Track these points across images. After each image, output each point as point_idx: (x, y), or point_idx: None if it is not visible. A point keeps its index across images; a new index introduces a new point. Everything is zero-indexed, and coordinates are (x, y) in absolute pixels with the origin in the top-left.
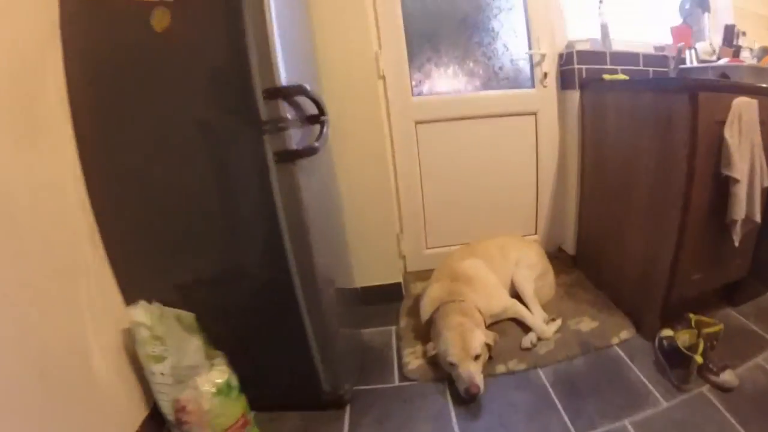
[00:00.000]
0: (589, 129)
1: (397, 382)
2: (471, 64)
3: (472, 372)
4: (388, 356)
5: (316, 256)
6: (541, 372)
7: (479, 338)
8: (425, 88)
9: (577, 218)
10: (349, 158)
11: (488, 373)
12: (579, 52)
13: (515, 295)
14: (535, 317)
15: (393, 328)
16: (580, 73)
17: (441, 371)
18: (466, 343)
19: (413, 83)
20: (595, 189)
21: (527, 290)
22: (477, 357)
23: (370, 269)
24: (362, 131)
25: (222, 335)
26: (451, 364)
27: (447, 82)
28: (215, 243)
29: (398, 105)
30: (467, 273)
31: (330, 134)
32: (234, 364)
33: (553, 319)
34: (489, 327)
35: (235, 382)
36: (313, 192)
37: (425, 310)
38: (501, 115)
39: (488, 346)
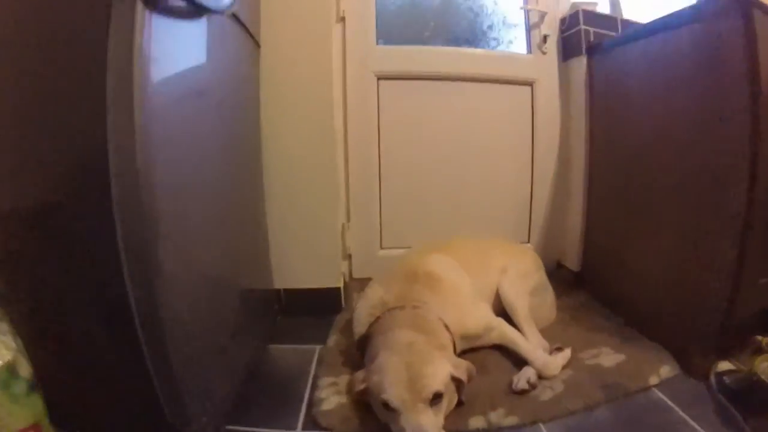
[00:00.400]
0: (600, 104)
1: (299, 429)
2: (453, 21)
3: (424, 426)
4: (297, 387)
5: (165, 236)
6: (544, 430)
7: (441, 370)
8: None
9: (583, 223)
10: (283, 119)
11: (456, 431)
12: (585, 12)
13: (501, 314)
14: (533, 345)
15: (318, 347)
16: (587, 35)
17: (373, 420)
18: (418, 377)
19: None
20: (608, 181)
21: (519, 306)
22: (435, 399)
23: (300, 267)
24: (304, 86)
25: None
26: (389, 410)
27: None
28: None
29: (358, 53)
30: (431, 271)
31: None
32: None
33: (559, 349)
34: (461, 355)
35: (26, 371)
36: (185, 133)
37: (360, 321)
38: (489, 80)
39: (457, 384)
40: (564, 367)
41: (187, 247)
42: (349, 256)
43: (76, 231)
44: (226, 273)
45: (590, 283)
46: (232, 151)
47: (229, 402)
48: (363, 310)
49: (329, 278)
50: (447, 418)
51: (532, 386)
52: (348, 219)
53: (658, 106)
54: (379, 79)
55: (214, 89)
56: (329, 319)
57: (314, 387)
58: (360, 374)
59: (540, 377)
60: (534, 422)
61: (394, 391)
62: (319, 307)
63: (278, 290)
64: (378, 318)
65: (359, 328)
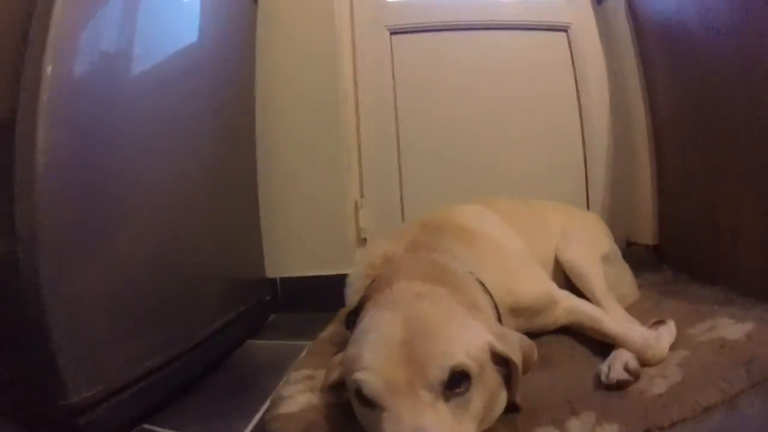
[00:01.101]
0: (652, 46)
1: None
2: None
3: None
4: (264, 386)
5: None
6: None
7: (471, 335)
8: None
9: (655, 189)
10: (283, 84)
11: None
12: None
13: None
14: (620, 321)
15: (311, 344)
16: None
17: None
18: (423, 342)
19: None
20: (684, 138)
21: (592, 274)
22: (455, 386)
23: (302, 253)
24: (307, 46)
25: None
26: (368, 404)
27: None
28: None
29: (368, 5)
30: (463, 224)
31: None
32: None
33: (659, 323)
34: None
35: None
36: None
37: (352, 287)
38: (516, 27)
39: (506, 373)
40: (671, 348)
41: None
42: (364, 240)
43: None
44: (165, 259)
45: (674, 256)
46: (199, 125)
47: (150, 397)
48: (358, 272)
49: (337, 264)
50: (490, 430)
51: (634, 375)
52: (362, 195)
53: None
54: (392, 33)
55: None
56: (336, 312)
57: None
58: (338, 356)
59: (642, 363)
60: (647, 431)
61: (375, 366)
62: (326, 299)
63: (272, 280)
64: (376, 278)
65: (351, 297)
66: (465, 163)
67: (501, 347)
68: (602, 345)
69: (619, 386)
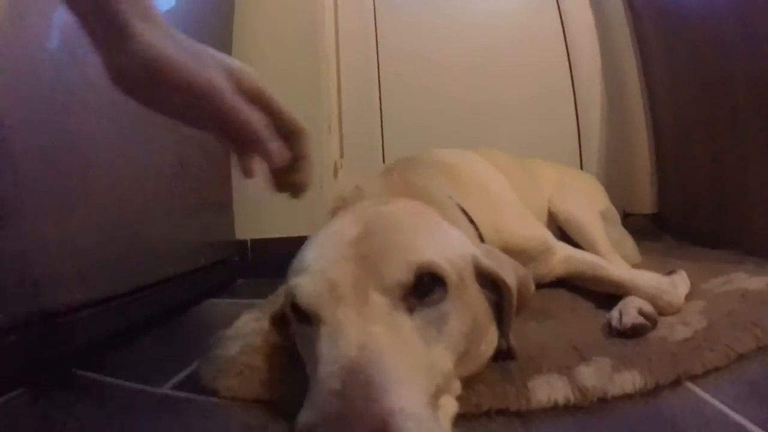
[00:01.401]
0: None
1: (168, 387)
2: None
3: (374, 341)
4: (208, 338)
5: None
6: (701, 393)
7: (449, 241)
8: None
9: (652, 156)
10: (258, 43)
11: (505, 408)
12: None
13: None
14: (628, 269)
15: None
16: None
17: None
18: (386, 246)
19: None
20: (682, 101)
21: (591, 226)
22: (424, 293)
23: (276, 215)
24: (287, 4)
25: None
26: (301, 314)
27: None
28: None
29: None
30: (446, 159)
31: None
32: None
33: (672, 273)
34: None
35: None
36: None
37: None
38: None
39: (499, 295)
40: (687, 299)
41: None
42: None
43: None
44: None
45: (675, 224)
46: None
47: (79, 336)
48: (327, 207)
49: (315, 226)
50: (476, 378)
51: (651, 321)
52: (341, 155)
53: None
54: None
55: None
56: None
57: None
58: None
59: (659, 311)
60: (676, 381)
61: (316, 267)
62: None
63: (243, 241)
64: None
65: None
66: (449, 128)
67: (489, 263)
68: (607, 299)
69: (635, 332)
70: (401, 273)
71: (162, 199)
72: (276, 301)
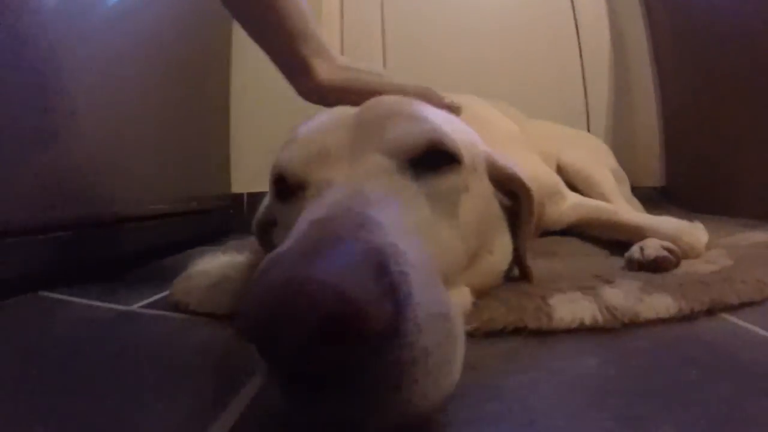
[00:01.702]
0: None
1: (139, 305)
2: None
3: (365, 194)
4: None
5: None
6: (739, 320)
7: (462, 129)
8: None
9: (661, 128)
10: None
11: (524, 326)
12: None
13: None
14: (643, 215)
15: None
16: None
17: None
18: (389, 114)
19: None
20: (691, 74)
21: (600, 177)
22: (427, 168)
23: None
24: None
25: None
26: (285, 190)
27: None
28: None
29: None
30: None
31: None
32: None
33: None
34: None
35: None
36: None
37: None
38: None
39: (513, 204)
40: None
41: None
42: None
43: None
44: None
45: (684, 197)
46: None
47: (49, 257)
48: None
49: None
50: (489, 294)
51: (675, 256)
52: None
53: None
54: None
55: None
56: None
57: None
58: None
59: (682, 249)
60: (710, 310)
61: (306, 136)
62: None
63: (239, 195)
64: None
65: None
66: (453, 76)
67: (505, 162)
68: (625, 248)
69: (658, 266)
70: (409, 136)
71: (159, 138)
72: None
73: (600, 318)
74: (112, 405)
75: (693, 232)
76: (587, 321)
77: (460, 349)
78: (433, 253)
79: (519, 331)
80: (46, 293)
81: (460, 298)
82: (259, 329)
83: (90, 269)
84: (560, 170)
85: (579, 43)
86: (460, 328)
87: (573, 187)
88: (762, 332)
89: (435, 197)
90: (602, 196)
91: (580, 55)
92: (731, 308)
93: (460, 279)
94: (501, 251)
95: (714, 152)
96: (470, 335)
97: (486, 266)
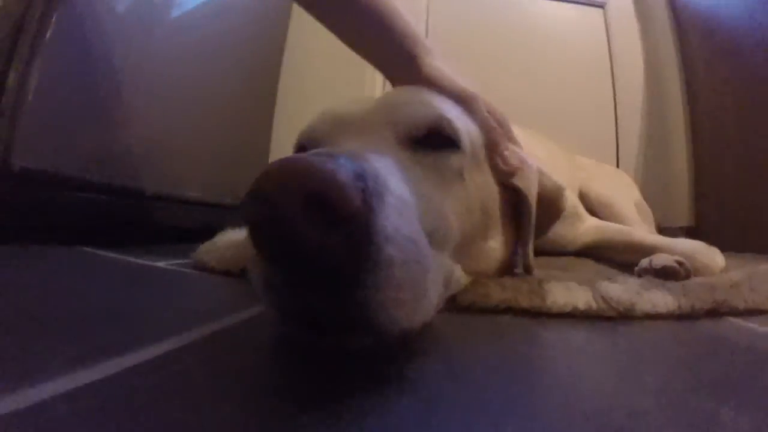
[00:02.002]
0: (691, 24)
1: (169, 262)
2: None
3: (369, 161)
4: None
5: None
6: (744, 322)
7: (468, 121)
8: None
9: (691, 170)
10: None
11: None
12: None
13: None
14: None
15: None
16: None
17: None
18: (400, 98)
19: None
20: (724, 118)
21: (622, 205)
22: (427, 144)
23: None
24: None
25: None
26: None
27: None
28: None
29: None
30: None
31: None
32: None
33: None
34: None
35: None
36: None
37: None
38: None
39: (517, 204)
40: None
41: None
42: None
43: None
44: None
45: (716, 237)
46: None
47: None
48: None
49: None
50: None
51: (684, 269)
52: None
53: None
54: None
55: None
56: None
57: None
58: None
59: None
60: (715, 310)
61: (329, 111)
62: None
63: None
64: None
65: None
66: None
67: (507, 153)
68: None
69: (666, 274)
70: (414, 116)
71: (204, 132)
72: None
73: (594, 305)
74: (125, 327)
75: (708, 253)
76: (581, 306)
77: (433, 285)
78: (419, 207)
79: (513, 309)
80: (85, 248)
81: (451, 268)
82: (251, 197)
83: (125, 234)
84: (582, 198)
85: (613, 80)
86: (433, 264)
87: (594, 215)
88: None
89: (430, 170)
90: (622, 224)
91: (614, 93)
92: (737, 313)
93: (454, 257)
94: (498, 240)
95: (745, 192)
96: (465, 310)
97: (481, 251)
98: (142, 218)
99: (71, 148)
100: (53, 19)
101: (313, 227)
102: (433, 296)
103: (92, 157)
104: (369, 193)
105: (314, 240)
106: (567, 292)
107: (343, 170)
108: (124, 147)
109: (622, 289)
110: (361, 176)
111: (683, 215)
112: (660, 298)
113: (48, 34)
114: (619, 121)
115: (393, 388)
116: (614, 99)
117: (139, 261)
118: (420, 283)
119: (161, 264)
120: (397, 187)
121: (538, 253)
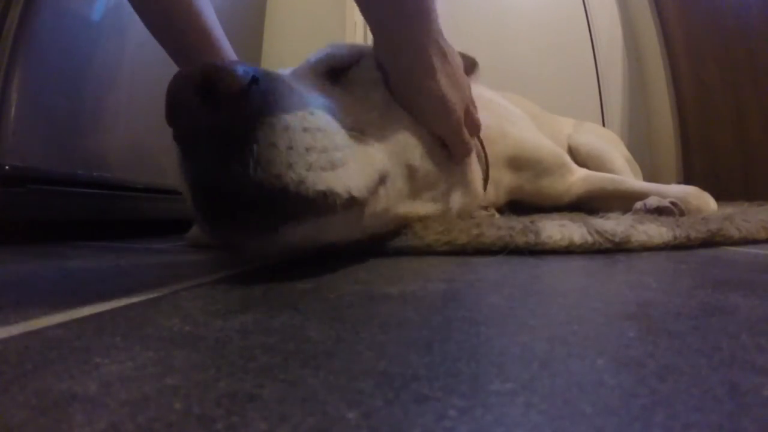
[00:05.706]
0: None
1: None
2: None
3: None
4: None
5: None
6: (742, 249)
7: None
8: None
9: (678, 135)
10: None
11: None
12: None
13: None
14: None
15: None
16: None
17: None
18: None
19: None
20: (707, 78)
21: (611, 156)
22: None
23: None
24: None
25: None
26: None
27: None
28: None
29: None
30: None
31: None
32: None
33: None
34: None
35: None
36: None
37: None
38: None
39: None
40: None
41: None
42: None
43: None
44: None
45: (704, 188)
46: None
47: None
48: None
49: None
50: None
51: (678, 209)
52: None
53: None
54: None
55: None
56: None
57: None
58: None
59: (687, 207)
60: (711, 240)
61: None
62: None
63: None
64: None
65: None
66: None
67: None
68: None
69: (660, 214)
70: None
71: None
72: None
73: (590, 239)
74: (126, 286)
75: (701, 196)
76: (576, 240)
77: (355, 164)
78: (337, 112)
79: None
80: (85, 243)
81: (385, 164)
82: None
83: (124, 230)
84: (571, 152)
85: (593, 45)
86: (358, 151)
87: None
88: None
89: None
90: (612, 173)
91: (594, 56)
92: (732, 242)
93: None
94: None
95: (729, 143)
96: (462, 251)
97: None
98: (135, 212)
99: (59, 146)
100: (33, 21)
101: (205, 103)
102: (358, 175)
103: (80, 154)
104: (263, 84)
105: (208, 114)
106: (561, 228)
107: (233, 65)
108: (111, 143)
109: (615, 223)
110: (255, 77)
111: (671, 171)
112: (654, 230)
113: (28, 36)
114: (601, 82)
115: (397, 303)
116: (595, 61)
117: (126, 244)
118: (329, 150)
119: (154, 245)
120: (303, 90)
121: (532, 209)
